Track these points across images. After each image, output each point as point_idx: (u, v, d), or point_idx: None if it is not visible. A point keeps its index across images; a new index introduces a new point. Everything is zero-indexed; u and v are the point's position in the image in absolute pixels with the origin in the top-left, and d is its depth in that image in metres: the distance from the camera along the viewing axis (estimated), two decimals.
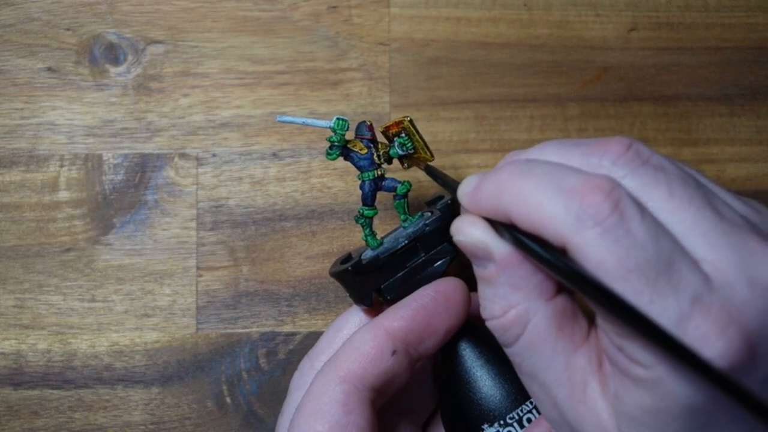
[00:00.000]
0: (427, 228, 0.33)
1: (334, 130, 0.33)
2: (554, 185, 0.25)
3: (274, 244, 0.42)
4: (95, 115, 0.42)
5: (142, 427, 0.41)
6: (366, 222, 0.34)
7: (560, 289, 0.28)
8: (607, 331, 0.25)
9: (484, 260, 0.28)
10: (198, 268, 0.42)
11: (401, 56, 0.43)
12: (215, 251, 0.42)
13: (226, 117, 0.42)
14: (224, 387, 0.41)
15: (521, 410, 0.31)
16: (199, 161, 0.42)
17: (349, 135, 0.34)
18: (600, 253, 0.23)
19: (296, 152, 0.42)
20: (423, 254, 0.33)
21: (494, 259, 0.27)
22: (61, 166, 0.42)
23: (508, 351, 0.28)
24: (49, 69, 0.42)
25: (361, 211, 0.34)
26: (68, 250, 0.41)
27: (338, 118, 0.33)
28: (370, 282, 0.33)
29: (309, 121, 0.33)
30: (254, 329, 0.41)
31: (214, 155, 0.42)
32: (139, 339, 0.41)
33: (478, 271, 0.29)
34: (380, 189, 0.34)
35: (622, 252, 0.23)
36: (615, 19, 0.44)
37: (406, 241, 0.33)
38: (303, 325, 0.42)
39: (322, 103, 0.42)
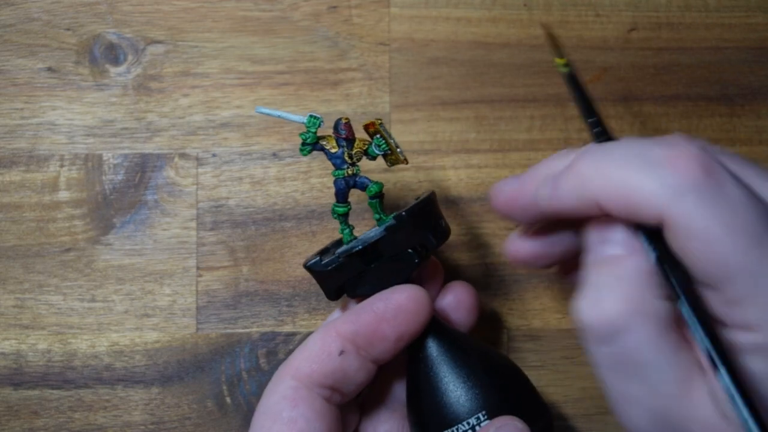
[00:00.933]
0: (385, 234, 0.33)
1: (306, 127, 0.34)
2: (640, 161, 0.25)
3: (274, 244, 0.42)
4: (95, 115, 0.42)
5: (142, 427, 0.41)
6: (340, 218, 0.35)
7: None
8: (714, 301, 0.24)
9: (613, 243, 0.27)
10: (198, 268, 0.42)
11: (401, 56, 0.43)
12: (215, 251, 0.42)
13: (226, 117, 0.42)
14: (224, 387, 0.41)
15: (476, 419, 0.31)
16: (199, 161, 0.42)
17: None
18: (703, 220, 0.23)
19: (296, 152, 0.42)
20: (385, 257, 0.33)
21: (624, 248, 0.26)
22: (61, 166, 0.42)
23: (608, 349, 0.27)
24: (49, 69, 0.42)
25: (333, 207, 0.35)
26: (68, 250, 0.41)
27: (311, 116, 0.33)
28: (334, 279, 0.34)
29: (284, 115, 0.34)
30: (254, 329, 0.41)
31: (214, 155, 0.42)
32: (139, 339, 0.41)
33: (599, 255, 0.27)
34: (354, 186, 0.34)
35: (725, 215, 0.23)
36: (615, 19, 0.44)
37: (360, 246, 0.33)
38: (303, 325, 0.42)
39: (322, 103, 0.42)
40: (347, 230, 0.35)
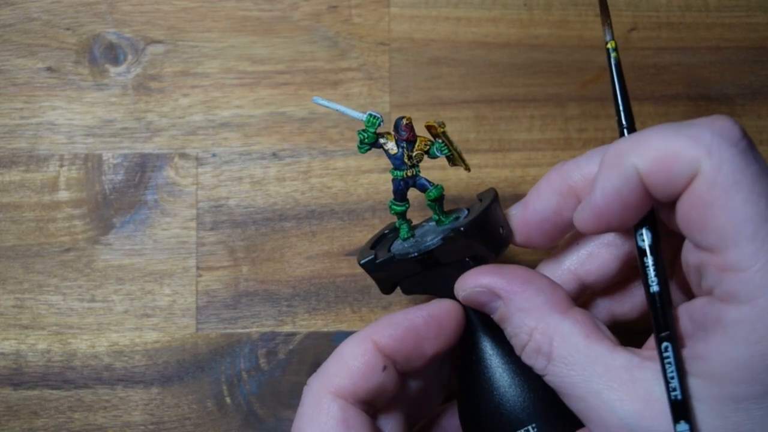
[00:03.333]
0: (441, 244, 0.32)
1: (366, 126, 0.33)
2: (678, 127, 0.25)
3: (274, 244, 0.42)
4: (95, 115, 0.42)
5: (142, 427, 0.41)
6: (398, 215, 0.34)
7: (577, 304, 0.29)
8: (709, 266, 0.25)
9: (492, 302, 0.29)
10: (198, 268, 0.42)
11: (401, 56, 0.43)
12: (215, 251, 0.42)
13: (226, 117, 0.42)
14: (224, 387, 0.41)
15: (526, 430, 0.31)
16: (199, 161, 0.42)
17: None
18: (737, 173, 0.24)
19: (296, 152, 0.42)
20: (442, 264, 0.32)
21: (499, 294, 0.28)
22: (61, 166, 0.42)
23: (549, 380, 0.28)
24: (49, 69, 0.42)
25: (390, 204, 0.34)
26: (68, 250, 0.41)
27: (370, 114, 0.32)
28: (389, 275, 0.34)
29: (343, 108, 0.33)
30: (254, 329, 0.41)
31: (214, 155, 0.42)
32: (138, 339, 0.41)
33: (495, 318, 0.29)
34: (413, 186, 0.34)
35: (755, 174, 0.24)
36: (615, 19, 0.43)
37: (416, 254, 0.32)
38: (303, 325, 0.42)
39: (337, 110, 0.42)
40: (405, 226, 0.34)
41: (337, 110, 0.33)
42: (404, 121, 0.33)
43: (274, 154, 0.42)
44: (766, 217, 0.23)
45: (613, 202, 0.26)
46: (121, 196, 0.42)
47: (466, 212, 0.34)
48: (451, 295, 0.32)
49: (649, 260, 0.27)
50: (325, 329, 0.41)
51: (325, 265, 0.42)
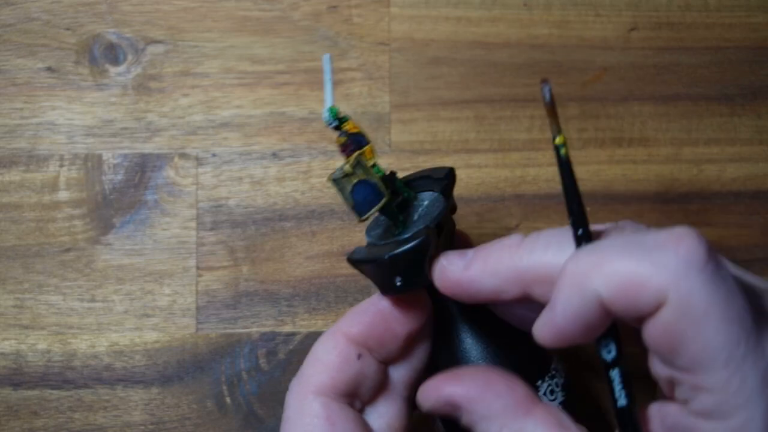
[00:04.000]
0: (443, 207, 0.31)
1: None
2: (640, 248, 0.24)
3: (274, 244, 0.42)
4: (95, 115, 0.42)
5: (142, 427, 0.41)
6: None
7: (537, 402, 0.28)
8: (682, 383, 0.24)
9: (455, 412, 0.28)
10: (198, 268, 0.42)
11: (401, 56, 0.43)
12: (215, 251, 0.42)
13: (226, 117, 0.42)
14: (224, 387, 0.41)
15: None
16: (199, 161, 0.42)
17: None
18: (706, 302, 0.23)
19: (296, 152, 0.42)
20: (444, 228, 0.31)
21: (459, 405, 0.28)
22: (61, 166, 0.42)
23: None
24: (49, 69, 0.42)
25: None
26: (68, 250, 0.41)
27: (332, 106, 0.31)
28: (416, 260, 0.31)
29: (328, 86, 0.31)
30: (254, 329, 0.41)
31: (214, 155, 0.42)
32: (138, 339, 0.41)
33: (463, 423, 0.29)
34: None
35: (724, 298, 0.23)
36: (615, 19, 0.44)
37: (435, 220, 0.31)
38: (303, 325, 0.42)
39: (322, 103, 0.42)
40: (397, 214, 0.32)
41: (326, 83, 0.31)
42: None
43: (274, 154, 0.42)
44: (738, 341, 0.23)
45: (575, 323, 0.25)
46: (121, 196, 0.42)
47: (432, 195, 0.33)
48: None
49: (615, 373, 0.26)
50: (325, 329, 0.41)
51: (325, 265, 0.42)
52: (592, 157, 0.43)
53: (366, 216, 0.30)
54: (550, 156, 0.43)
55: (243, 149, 0.42)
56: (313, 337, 0.41)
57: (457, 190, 0.42)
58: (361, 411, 0.32)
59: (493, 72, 0.43)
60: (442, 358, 0.33)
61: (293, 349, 0.41)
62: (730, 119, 0.43)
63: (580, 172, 0.43)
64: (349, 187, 0.30)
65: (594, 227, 0.28)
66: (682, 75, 0.43)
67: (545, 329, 0.26)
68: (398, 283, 0.30)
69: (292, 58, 0.43)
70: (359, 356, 0.31)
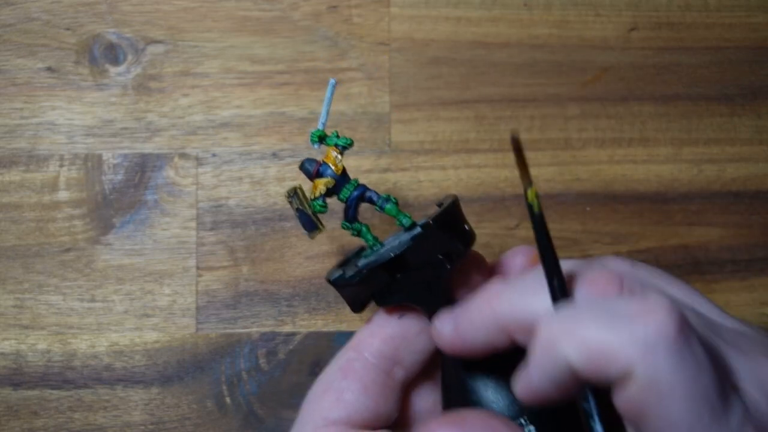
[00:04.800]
0: (410, 244, 0.30)
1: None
2: (610, 317, 0.24)
3: (274, 244, 0.42)
4: (95, 115, 0.42)
5: (142, 427, 0.41)
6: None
7: None
8: None
9: None
10: (198, 268, 0.42)
11: (401, 56, 0.43)
12: (215, 251, 0.42)
13: (226, 117, 0.42)
14: (224, 387, 0.41)
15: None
16: (199, 161, 0.42)
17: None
18: (673, 378, 0.23)
19: (296, 152, 0.42)
20: (413, 267, 0.31)
21: None
22: (61, 166, 0.42)
23: None
24: (49, 69, 0.42)
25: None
26: (68, 250, 0.41)
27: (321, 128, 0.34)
28: (359, 292, 0.32)
29: (326, 106, 0.33)
30: (254, 329, 0.41)
31: (214, 155, 0.42)
32: (138, 339, 0.41)
33: None
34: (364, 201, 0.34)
35: (690, 378, 0.23)
36: (615, 19, 0.44)
37: (383, 260, 0.31)
38: (303, 325, 0.42)
39: (322, 103, 0.42)
40: (369, 234, 0.33)
41: (324, 106, 0.33)
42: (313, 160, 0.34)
43: (274, 154, 0.42)
44: (701, 415, 0.23)
45: (548, 385, 0.25)
46: (121, 196, 0.42)
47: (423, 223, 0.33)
48: (429, 299, 0.31)
49: (596, 425, 0.26)
50: (325, 329, 0.41)
51: (325, 265, 0.42)
52: (592, 157, 0.43)
53: (311, 235, 0.33)
54: (550, 156, 0.43)
55: (243, 149, 0.42)
56: (313, 337, 0.41)
57: (457, 190, 0.42)
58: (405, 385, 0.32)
59: (493, 72, 0.43)
60: (452, 390, 0.32)
61: (293, 349, 0.41)
62: (730, 119, 0.43)
63: (581, 172, 0.43)
64: (294, 208, 0.33)
65: (573, 266, 0.28)
66: (682, 75, 0.43)
67: (522, 387, 0.26)
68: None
69: (292, 58, 0.43)
70: (401, 316, 0.31)
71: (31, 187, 0.42)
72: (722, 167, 0.43)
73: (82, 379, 0.41)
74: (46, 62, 0.42)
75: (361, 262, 0.32)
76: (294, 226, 0.42)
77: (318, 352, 0.41)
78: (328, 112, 0.33)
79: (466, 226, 0.33)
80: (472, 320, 0.29)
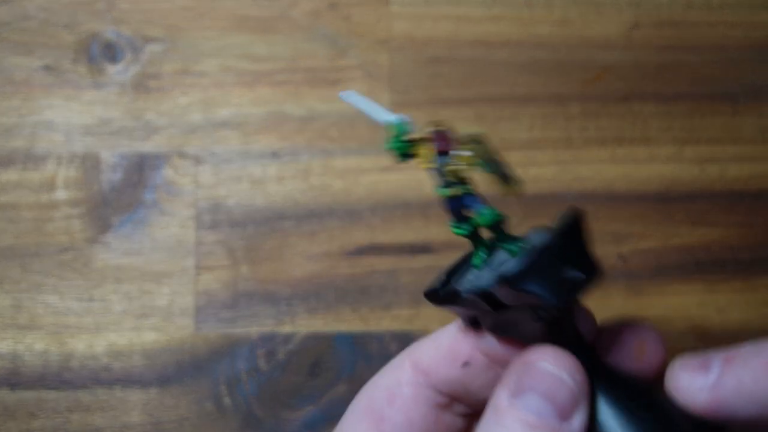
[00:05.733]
0: (497, 287, 0.24)
1: (395, 134, 0.27)
2: None
3: (273, 243, 0.42)
4: (93, 114, 0.42)
5: (141, 428, 0.41)
6: (471, 235, 0.26)
7: None
8: None
9: None
10: (197, 267, 0.41)
11: (401, 55, 0.43)
12: (214, 251, 0.41)
13: (225, 116, 0.42)
14: (223, 388, 0.41)
15: None
16: (198, 160, 0.42)
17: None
18: None
19: (296, 151, 0.42)
20: (505, 304, 0.25)
21: None
22: (59, 165, 0.42)
23: None
24: (47, 67, 0.42)
25: (450, 225, 0.27)
26: (66, 249, 0.41)
27: (400, 121, 0.27)
28: (460, 310, 0.27)
29: (371, 110, 0.27)
30: (253, 329, 0.41)
31: (213, 154, 0.42)
32: (137, 339, 0.41)
33: None
34: (465, 207, 0.27)
35: None
36: (617, 18, 0.43)
37: (473, 292, 0.25)
38: (302, 325, 0.41)
39: (322, 102, 0.42)
40: (479, 251, 0.26)
41: (362, 110, 0.27)
42: (438, 128, 0.27)
43: (273, 154, 0.42)
44: None
45: None
46: (120, 195, 0.42)
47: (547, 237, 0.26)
48: (536, 340, 0.25)
49: None
50: (325, 329, 0.41)
51: (325, 265, 0.41)
52: (594, 156, 0.43)
53: (511, 189, 0.27)
54: (551, 155, 0.43)
55: (242, 148, 0.42)
56: (312, 338, 0.41)
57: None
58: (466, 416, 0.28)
59: (493, 71, 0.43)
60: None
61: (293, 349, 0.41)
62: (733, 118, 0.43)
63: (582, 171, 0.43)
64: (468, 164, 0.27)
65: None
66: (684, 74, 0.43)
67: None
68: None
69: (292, 57, 0.42)
70: (465, 364, 0.26)
71: (28, 187, 0.41)
72: (725, 167, 0.43)
73: (80, 380, 0.41)
74: (44, 61, 0.42)
75: (463, 285, 0.26)
76: (294, 225, 0.42)
77: (318, 353, 0.41)
78: (372, 111, 0.28)
79: (572, 269, 0.25)
80: (742, 385, 0.22)
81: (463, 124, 0.43)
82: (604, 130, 0.43)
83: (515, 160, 0.42)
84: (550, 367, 0.23)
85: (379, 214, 0.42)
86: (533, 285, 0.24)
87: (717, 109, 0.43)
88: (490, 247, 0.26)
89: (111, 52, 0.42)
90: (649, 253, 0.42)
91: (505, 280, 0.24)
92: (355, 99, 0.27)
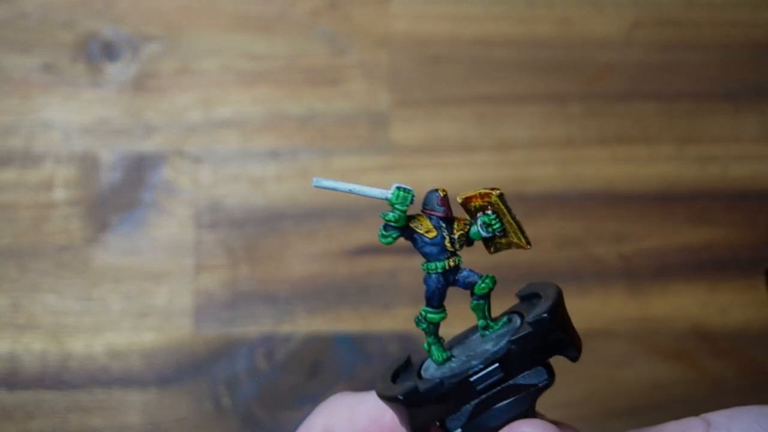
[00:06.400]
0: (514, 348, 0.23)
1: (392, 204, 0.24)
2: None
3: (272, 243, 0.41)
4: (92, 113, 0.42)
5: (140, 428, 0.40)
6: (430, 328, 0.25)
7: None
8: None
9: None
10: (196, 267, 0.41)
11: (401, 54, 0.43)
12: (213, 251, 0.41)
13: (225, 115, 0.42)
14: (222, 388, 0.41)
15: None
16: (197, 160, 0.42)
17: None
18: None
19: (295, 151, 0.42)
20: (504, 379, 0.24)
21: None
22: (57, 164, 0.42)
23: None
24: (45, 66, 0.42)
25: (423, 313, 0.25)
26: (64, 249, 0.41)
27: (399, 188, 0.24)
28: (430, 411, 0.24)
29: (356, 188, 0.24)
30: (253, 329, 0.41)
31: (212, 154, 0.42)
32: (136, 339, 0.41)
33: None
34: (453, 284, 0.25)
35: None
36: (618, 17, 0.43)
37: (482, 365, 0.23)
38: (302, 325, 0.41)
39: (322, 101, 0.42)
40: (437, 345, 0.25)
41: (349, 192, 0.25)
42: (440, 193, 0.25)
43: (272, 153, 0.42)
44: None
45: None
46: (118, 195, 0.42)
47: (518, 320, 0.25)
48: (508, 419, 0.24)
49: None
50: (325, 329, 0.41)
51: (324, 264, 0.41)
52: (594, 155, 0.43)
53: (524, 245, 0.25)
54: (552, 154, 0.42)
55: (241, 147, 0.42)
56: (312, 338, 0.41)
57: (458, 189, 0.42)
58: None
59: (494, 70, 0.43)
60: None
61: (292, 349, 0.41)
62: (734, 117, 0.43)
63: (582, 170, 0.42)
64: (494, 222, 0.25)
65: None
66: (685, 73, 0.43)
67: None
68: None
69: (291, 56, 0.42)
70: None
71: (26, 186, 0.41)
72: (726, 166, 0.43)
73: (79, 380, 0.41)
74: (42, 59, 0.42)
75: (429, 371, 0.25)
76: (293, 225, 0.42)
77: (317, 353, 0.41)
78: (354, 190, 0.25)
79: (573, 329, 0.25)
80: None
81: (462, 124, 0.43)
82: (604, 129, 0.43)
83: (516, 160, 0.42)
84: None
85: (378, 214, 0.42)
86: (561, 328, 0.24)
87: (718, 109, 0.43)
88: (442, 344, 0.25)
89: (110, 51, 0.42)
90: (650, 253, 0.42)
91: (544, 320, 0.23)
92: (335, 184, 0.25)
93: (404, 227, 0.25)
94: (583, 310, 0.41)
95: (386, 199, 0.24)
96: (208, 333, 0.41)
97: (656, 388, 0.41)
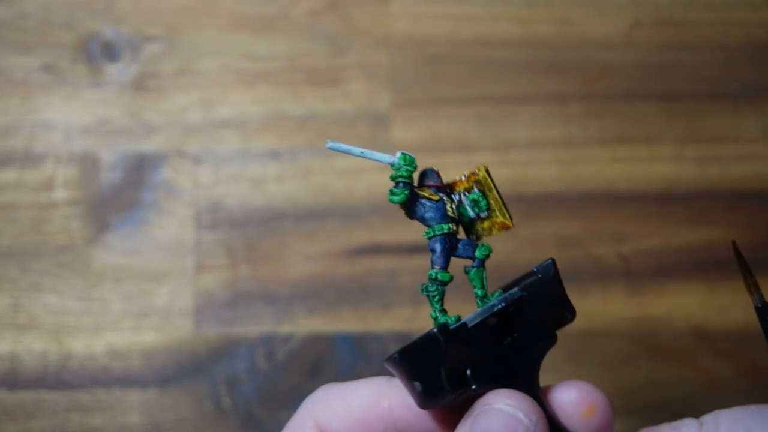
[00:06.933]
0: (525, 295, 0.24)
1: (398, 168, 0.26)
2: None
3: (272, 243, 0.41)
4: (92, 114, 0.42)
5: (140, 428, 0.40)
6: (438, 291, 0.25)
7: None
8: None
9: None
10: (196, 267, 0.41)
11: (401, 54, 0.43)
12: (213, 251, 0.41)
13: (225, 115, 0.42)
14: (222, 388, 0.41)
15: None
16: (197, 160, 0.42)
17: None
18: None
19: (295, 151, 0.42)
20: (516, 333, 0.25)
21: None
22: (58, 164, 0.42)
23: None
24: (46, 66, 0.42)
25: (433, 274, 0.25)
26: (64, 249, 0.41)
27: (404, 153, 0.25)
28: (453, 362, 0.24)
29: (367, 152, 0.26)
30: (253, 329, 0.41)
31: (212, 154, 0.42)
32: (136, 339, 0.41)
33: None
34: (454, 251, 0.26)
35: None
36: (617, 17, 0.43)
37: (503, 304, 0.24)
38: (302, 325, 0.41)
39: (322, 101, 0.42)
40: (444, 313, 0.25)
41: (360, 155, 0.25)
42: (435, 169, 0.26)
43: (273, 153, 0.42)
44: None
45: None
46: (119, 195, 0.42)
47: (515, 289, 0.25)
48: (521, 377, 0.25)
49: None
50: (325, 329, 0.41)
51: (324, 264, 0.41)
52: (594, 155, 0.43)
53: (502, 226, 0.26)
54: (551, 154, 0.42)
55: (241, 148, 0.42)
56: (312, 338, 0.41)
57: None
58: None
59: (493, 70, 0.43)
60: None
61: (292, 349, 0.41)
62: (734, 117, 0.43)
63: (582, 170, 0.42)
64: (474, 199, 0.26)
65: None
66: (685, 73, 0.43)
67: None
68: (418, 389, 0.24)
69: (291, 56, 0.42)
70: None
71: (27, 186, 0.41)
72: (726, 166, 0.43)
73: (79, 380, 0.41)
74: (43, 60, 0.42)
75: (468, 318, 0.25)
76: (293, 225, 0.42)
77: (317, 353, 0.41)
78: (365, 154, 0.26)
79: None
80: None
81: (462, 123, 0.43)
82: (604, 129, 0.43)
83: (516, 160, 0.42)
84: (507, 407, 0.23)
85: (378, 214, 0.42)
86: (560, 286, 0.25)
87: (718, 109, 0.43)
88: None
89: (110, 52, 0.42)
90: (650, 253, 0.42)
91: (546, 270, 0.25)
92: (348, 147, 0.26)
93: (412, 190, 0.26)
94: (583, 310, 0.40)
95: (393, 163, 0.26)
96: (208, 333, 0.41)
97: (655, 388, 0.41)
